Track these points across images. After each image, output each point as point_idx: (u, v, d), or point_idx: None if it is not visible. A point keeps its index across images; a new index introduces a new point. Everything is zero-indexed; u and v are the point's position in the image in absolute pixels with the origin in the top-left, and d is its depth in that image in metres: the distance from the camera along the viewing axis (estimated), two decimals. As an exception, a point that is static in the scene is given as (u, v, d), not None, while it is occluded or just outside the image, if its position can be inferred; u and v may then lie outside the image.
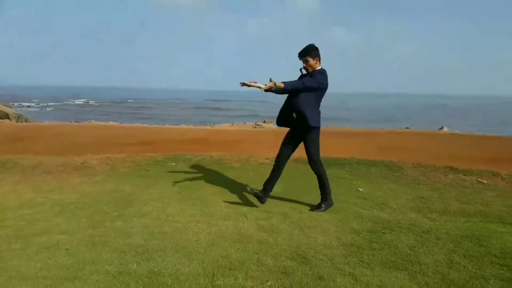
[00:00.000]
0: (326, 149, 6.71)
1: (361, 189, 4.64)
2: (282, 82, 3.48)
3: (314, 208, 3.90)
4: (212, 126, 13.32)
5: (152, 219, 3.56)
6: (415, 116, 41.98)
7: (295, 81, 3.61)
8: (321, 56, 3.71)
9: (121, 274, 2.52)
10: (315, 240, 3.11)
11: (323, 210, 3.85)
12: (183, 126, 13.30)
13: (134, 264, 2.66)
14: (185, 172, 5.31)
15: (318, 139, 3.91)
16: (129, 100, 68.33)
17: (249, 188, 4.02)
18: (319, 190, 4.50)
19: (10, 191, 4.43)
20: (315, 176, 5.09)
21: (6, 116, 14.64)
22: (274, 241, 3.08)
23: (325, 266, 2.67)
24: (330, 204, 3.94)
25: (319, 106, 3.82)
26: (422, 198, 4.32)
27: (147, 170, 5.41)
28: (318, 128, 3.83)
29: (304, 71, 3.79)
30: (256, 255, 2.82)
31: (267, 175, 5.22)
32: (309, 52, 3.65)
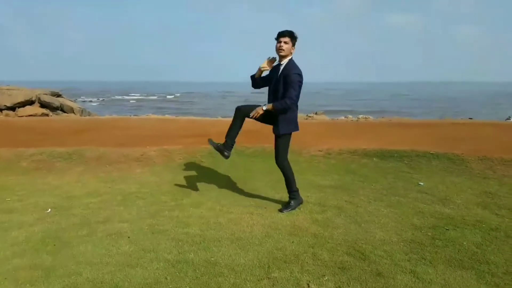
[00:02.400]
0: (384, 141, 6.47)
1: (421, 183, 4.40)
2: (271, 104, 3.44)
3: (282, 207, 3.66)
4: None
5: (207, 210, 3.63)
6: (479, 105, 39.03)
7: (282, 101, 3.42)
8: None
9: (179, 263, 2.59)
10: (373, 236, 2.99)
11: (292, 209, 3.60)
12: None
13: (192, 253, 2.72)
14: (238, 163, 5.36)
15: (288, 143, 3.76)
16: (176, 94, 69.98)
17: (211, 143, 3.86)
18: (373, 184, 4.34)
19: (76, 180, 4.74)
20: (372, 170, 4.88)
21: (71, 110, 15.76)
22: (330, 235, 3.01)
23: (384, 262, 2.57)
24: (299, 202, 3.71)
25: (295, 106, 3.59)
26: (489, 193, 4.01)
27: (202, 161, 5.53)
28: (288, 134, 3.70)
29: (274, 57, 3.59)
30: (311, 249, 2.78)
31: (320, 167, 5.15)
32: (293, 35, 3.45)
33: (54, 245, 2.89)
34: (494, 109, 33.48)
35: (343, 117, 13.49)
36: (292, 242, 2.90)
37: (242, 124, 3.75)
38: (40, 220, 3.40)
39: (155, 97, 60.69)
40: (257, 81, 3.75)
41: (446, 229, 3.08)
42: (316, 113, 15.62)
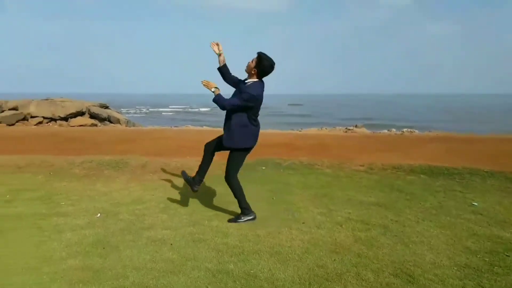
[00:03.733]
0: (431, 157, 6.17)
1: (475, 203, 4.12)
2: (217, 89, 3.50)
3: (232, 219, 3.66)
4: (300, 131, 13.24)
5: (245, 222, 3.62)
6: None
7: (223, 99, 3.45)
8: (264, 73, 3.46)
9: (220, 273, 2.59)
10: (423, 258, 2.83)
11: (241, 221, 3.60)
12: (269, 130, 13.47)
13: (231, 264, 2.71)
14: (275, 177, 5.33)
15: (241, 159, 3.73)
16: (209, 107, 70.77)
17: (184, 174, 3.89)
18: (421, 202, 4.15)
19: (123, 188, 4.92)
20: (420, 187, 4.67)
21: (118, 121, 16.50)
22: (374, 255, 2.88)
23: (435, 287, 2.41)
24: (250, 217, 3.66)
25: (253, 120, 3.55)
26: (554, 217, 3.66)
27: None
28: (244, 149, 3.64)
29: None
30: (354, 268, 2.67)
31: (363, 183, 5.00)
32: (261, 57, 3.38)
33: (103, 248, 3.00)
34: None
35: (385, 130, 13.05)
36: (334, 260, 2.81)
37: (211, 159, 3.89)
38: (91, 224, 3.55)
39: (192, 110, 62.22)
40: (224, 72, 3.68)
41: (507, 255, 2.84)
42: (356, 126, 15.24)
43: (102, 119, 16.33)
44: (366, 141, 8.70)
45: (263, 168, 5.76)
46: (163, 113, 51.33)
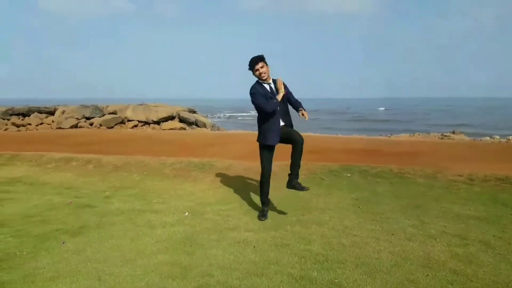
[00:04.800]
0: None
1: None
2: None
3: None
4: (389, 137, 12.56)
5: (329, 229, 3.53)
6: None
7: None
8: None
9: (303, 279, 2.56)
10: (532, 280, 2.48)
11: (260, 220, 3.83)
12: (354, 135, 13.01)
13: (315, 272, 2.67)
14: (362, 184, 5.11)
15: (262, 153, 3.93)
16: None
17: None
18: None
19: (208, 188, 5.17)
20: None
21: (204, 125, 17.43)
22: (474, 274, 2.61)
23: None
24: (262, 216, 3.87)
25: (263, 122, 3.81)
26: None
27: (322, 179, 5.45)
28: (261, 144, 3.88)
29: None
30: (450, 286, 2.46)
31: (461, 194, 4.55)
32: (264, 58, 3.75)
33: (191, 245, 3.18)
34: None
35: (487, 138, 11.75)
36: (427, 275, 2.60)
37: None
38: (179, 221, 3.79)
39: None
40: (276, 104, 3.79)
41: None
42: (453, 132, 13.96)
43: (190, 123, 17.42)
44: (465, 149, 7.92)
45: (348, 175, 5.58)
46: (246, 117, 52.93)
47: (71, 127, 15.10)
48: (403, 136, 12.59)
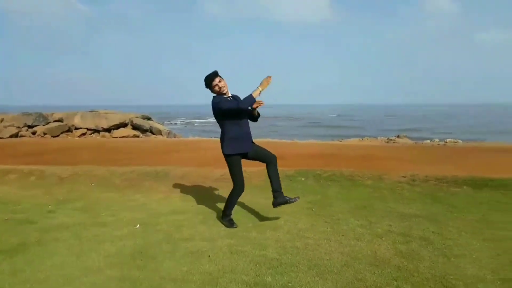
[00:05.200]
0: (475, 168, 5.90)
1: (523, 216, 3.89)
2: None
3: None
4: (341, 141, 13.05)
5: (284, 233, 3.61)
6: None
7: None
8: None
9: (257, 285, 2.59)
10: (465, 271, 2.72)
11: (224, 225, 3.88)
12: (310, 141, 13.39)
13: (269, 277, 2.71)
14: (315, 188, 5.29)
15: (231, 165, 3.81)
16: (264, 116, 71.81)
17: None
18: (464, 215, 4.03)
19: (162, 198, 5.07)
20: (463, 199, 4.56)
21: (159, 132, 17.08)
22: (415, 268, 2.80)
23: (479, 303, 2.30)
24: (228, 224, 3.86)
25: (233, 131, 3.74)
26: None
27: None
28: (230, 155, 3.77)
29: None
30: (395, 282, 2.60)
31: (404, 194, 4.86)
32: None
33: (142, 259, 3.08)
34: None
35: (428, 141, 12.60)
36: (374, 273, 2.75)
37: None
38: (130, 234, 3.67)
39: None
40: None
41: (559, 272, 2.67)
42: (398, 136, 14.82)
43: (144, 130, 16.97)
44: (408, 151, 8.44)
45: (303, 179, 5.74)
46: (204, 124, 52.45)
47: (11, 136, 14.15)
48: (354, 141, 13.16)
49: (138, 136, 15.94)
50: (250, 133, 3.83)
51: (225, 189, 5.46)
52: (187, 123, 53.67)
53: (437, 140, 12.64)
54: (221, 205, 4.61)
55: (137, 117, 17.54)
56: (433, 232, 3.55)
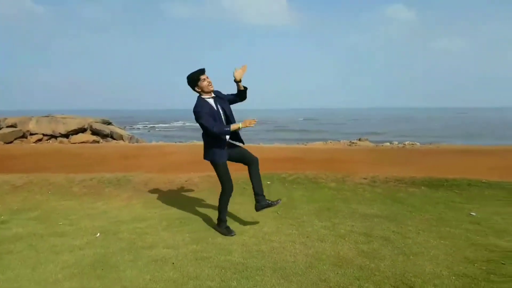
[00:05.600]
0: (432, 169, 6.20)
1: (474, 214, 4.14)
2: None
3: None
4: (306, 145, 13.27)
5: (249, 237, 3.61)
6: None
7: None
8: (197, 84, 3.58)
9: (223, 291, 2.57)
10: (423, 268, 2.84)
11: (221, 233, 3.76)
12: (276, 144, 13.52)
13: (234, 282, 2.70)
14: (281, 191, 5.33)
15: (218, 170, 3.73)
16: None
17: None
18: (422, 214, 4.20)
19: (124, 205, 4.91)
20: (421, 199, 4.75)
21: (121, 137, 16.58)
22: (376, 267, 2.88)
23: (435, 298, 2.40)
24: (225, 232, 3.75)
25: (211, 139, 3.65)
26: (550, 225, 3.71)
27: (244, 188, 5.56)
28: (211, 161, 3.73)
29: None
30: (357, 281, 2.67)
31: (366, 195, 5.01)
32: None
33: (102, 269, 2.97)
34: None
35: (388, 144, 13.10)
36: (337, 273, 2.80)
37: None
38: (90, 244, 3.53)
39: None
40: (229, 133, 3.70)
41: (503, 264, 2.87)
42: (359, 139, 15.30)
43: (104, 136, 16.42)
44: (369, 154, 8.73)
45: (268, 182, 5.77)
46: (168, 128, 51.58)
47: (-41, 143, 13.23)
48: (318, 144, 13.43)
49: (98, 142, 15.40)
50: (226, 139, 3.73)
51: (190, 194, 5.39)
52: (150, 128, 52.56)
53: (396, 142, 13.18)
54: (186, 211, 4.55)
55: (96, 122, 16.95)
56: (393, 231, 3.67)
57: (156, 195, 5.35)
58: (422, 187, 5.22)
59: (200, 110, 3.50)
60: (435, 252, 3.14)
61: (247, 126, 3.51)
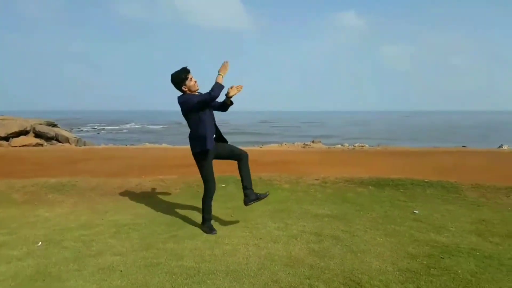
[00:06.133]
0: (379, 170, 6.50)
1: (417, 211, 4.40)
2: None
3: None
4: (261, 147, 13.37)
5: (202, 241, 3.56)
6: (472, 134, 39.62)
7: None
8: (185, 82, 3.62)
9: (173, 297, 2.51)
10: (369, 265, 2.95)
11: (213, 233, 3.77)
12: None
13: (186, 287, 2.65)
14: (235, 194, 5.32)
15: (201, 166, 3.81)
16: (183, 123, 71.45)
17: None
18: (369, 212, 4.38)
19: (69, 212, 4.65)
20: (368, 198, 4.96)
21: (67, 140, 15.71)
22: (326, 266, 2.96)
23: (381, 293, 2.52)
24: (207, 230, 3.83)
25: (200, 129, 3.67)
26: (483, 220, 4.05)
27: (198, 191, 5.49)
28: (199, 152, 3.73)
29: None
30: (307, 280, 2.72)
31: (317, 196, 5.15)
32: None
33: (44, 280, 2.79)
34: (487, 137, 34.00)
35: (339, 145, 13.59)
36: (288, 273, 2.84)
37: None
38: (30, 254, 3.30)
39: (153, 127, 60.99)
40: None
41: (441, 258, 3.06)
42: (313, 141, 15.71)
43: (49, 138, 15.48)
44: (322, 155, 8.98)
45: (223, 185, 5.74)
46: (118, 131, 49.77)
47: None
48: (273, 146, 13.59)
49: (42, 145, 14.47)
50: (214, 131, 3.76)
51: (141, 199, 5.22)
52: (99, 130, 50.41)
53: (347, 145, 13.68)
54: (136, 217, 4.41)
55: (40, 124, 15.94)
56: (342, 230, 3.79)
57: (103, 201, 5.13)
58: (370, 187, 5.46)
59: (188, 97, 3.55)
60: (381, 249, 3.28)
61: (226, 72, 3.55)
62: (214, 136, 3.77)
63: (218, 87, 3.48)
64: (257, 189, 5.48)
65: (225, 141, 3.93)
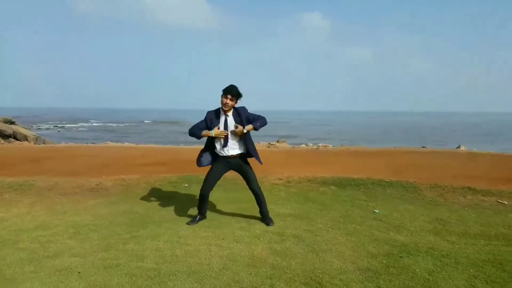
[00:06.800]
0: (341, 169, 6.67)
1: (377, 211, 4.54)
2: (251, 126, 3.92)
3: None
4: (226, 146, 13.31)
5: (164, 242, 3.52)
6: (431, 135, 41.44)
7: (262, 119, 4.03)
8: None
9: (132, 299, 2.48)
10: (330, 265, 3.01)
11: (194, 223, 4.07)
12: (196, 146, 13.37)
13: (145, 289, 2.62)
14: (198, 193, 5.29)
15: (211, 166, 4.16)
16: (145, 121, 70.05)
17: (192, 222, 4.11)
18: (331, 212, 4.49)
19: (26, 212, 4.47)
20: (330, 198, 5.09)
21: (25, 138, 15.01)
22: (288, 265, 3.00)
23: (340, 292, 2.59)
24: (190, 220, 4.15)
25: (207, 145, 4.10)
26: (440, 220, 4.21)
27: (161, 191, 5.42)
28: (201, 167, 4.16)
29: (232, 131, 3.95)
30: (269, 280, 2.75)
31: (281, 195, 5.21)
32: (239, 95, 3.91)
33: (-4, 283, 2.68)
34: (446, 137, 35.70)
35: (303, 145, 13.80)
36: (250, 273, 2.86)
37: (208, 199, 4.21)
38: (-18, 256, 3.15)
39: (115, 125, 59.29)
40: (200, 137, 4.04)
41: (400, 257, 3.15)
42: (278, 141, 15.86)
43: (6, 136, 14.72)
44: (286, 155, 9.09)
45: (186, 185, 5.70)
46: (80, 129, 47.99)
47: None
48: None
49: (-2, 142, 13.72)
50: (220, 151, 4.01)
51: (101, 199, 5.09)
52: (60, 128, 48.40)
53: (311, 145, 13.92)
54: (95, 217, 4.30)
55: (-4, 120, 15.13)
56: (304, 229, 3.85)
57: (62, 201, 4.96)
58: (332, 187, 5.60)
59: (205, 117, 3.95)
60: (341, 248, 3.35)
61: (217, 135, 3.90)
62: (239, 153, 4.05)
63: (195, 132, 3.95)
64: (221, 189, 5.50)
65: (246, 162, 4.18)
